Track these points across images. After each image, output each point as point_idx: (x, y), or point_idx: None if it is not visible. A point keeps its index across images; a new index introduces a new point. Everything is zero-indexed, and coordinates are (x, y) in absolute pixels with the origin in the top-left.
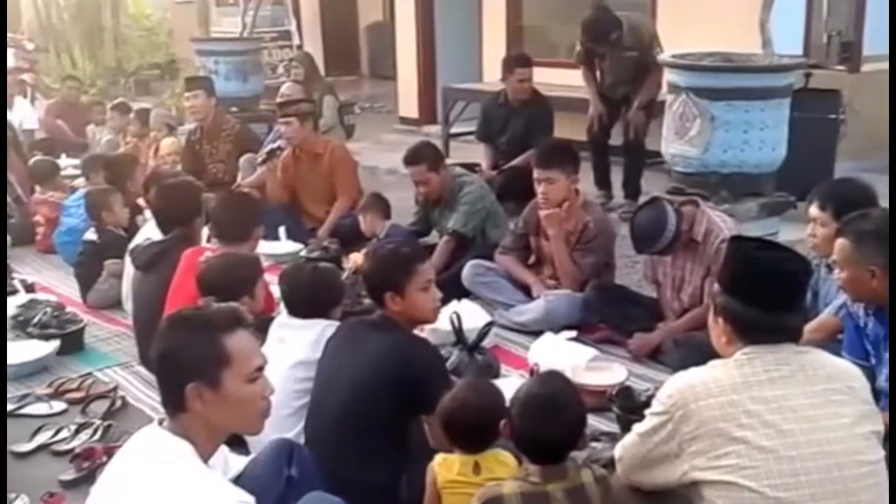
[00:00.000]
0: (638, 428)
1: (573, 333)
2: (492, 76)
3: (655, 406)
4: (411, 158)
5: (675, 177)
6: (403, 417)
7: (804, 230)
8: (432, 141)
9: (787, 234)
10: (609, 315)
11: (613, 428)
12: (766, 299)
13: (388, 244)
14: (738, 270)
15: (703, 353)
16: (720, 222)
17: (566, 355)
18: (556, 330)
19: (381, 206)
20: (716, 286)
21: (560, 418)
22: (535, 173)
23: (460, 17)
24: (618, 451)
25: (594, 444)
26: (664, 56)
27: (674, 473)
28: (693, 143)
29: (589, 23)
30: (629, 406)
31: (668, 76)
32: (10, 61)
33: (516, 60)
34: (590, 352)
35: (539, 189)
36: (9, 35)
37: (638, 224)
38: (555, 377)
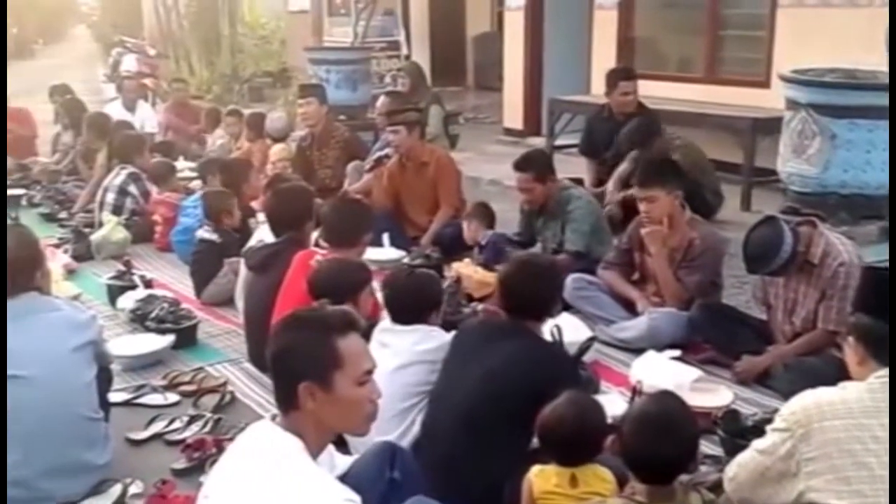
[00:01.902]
0: (757, 444)
1: (677, 353)
2: (600, 88)
3: (777, 422)
4: (521, 164)
5: (790, 196)
6: (526, 419)
7: None
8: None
9: None
10: (715, 336)
11: (718, 451)
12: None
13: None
14: (866, 286)
15: (814, 379)
16: (839, 244)
17: (670, 374)
18: (659, 348)
19: (487, 214)
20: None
21: (674, 438)
22: (636, 192)
23: (570, 28)
24: (732, 468)
25: (699, 468)
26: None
27: (789, 494)
28: (811, 162)
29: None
30: (735, 430)
31: (787, 92)
32: (133, 65)
33: (619, 74)
34: (694, 372)
35: (641, 207)
36: (132, 40)
37: (752, 243)
38: (669, 396)
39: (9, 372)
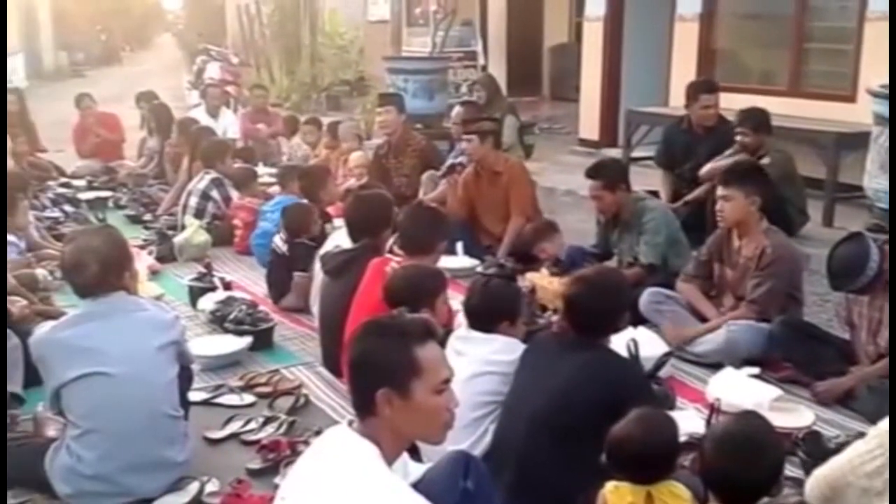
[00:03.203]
0: (841, 456)
1: (756, 370)
2: (678, 100)
3: (871, 435)
4: (592, 172)
5: (876, 213)
6: (599, 434)
7: None
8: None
9: None
10: (796, 354)
11: (798, 473)
12: None
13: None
14: None
15: None
16: None
17: (748, 392)
18: (737, 361)
19: (553, 227)
20: None
21: (758, 460)
22: (718, 189)
23: (649, 39)
24: (811, 480)
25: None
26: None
27: None
28: None
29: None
30: (817, 452)
31: (874, 107)
32: (217, 73)
33: (701, 86)
34: (774, 391)
35: (717, 206)
36: (216, 49)
37: (837, 258)
38: (753, 416)
39: (95, 369)
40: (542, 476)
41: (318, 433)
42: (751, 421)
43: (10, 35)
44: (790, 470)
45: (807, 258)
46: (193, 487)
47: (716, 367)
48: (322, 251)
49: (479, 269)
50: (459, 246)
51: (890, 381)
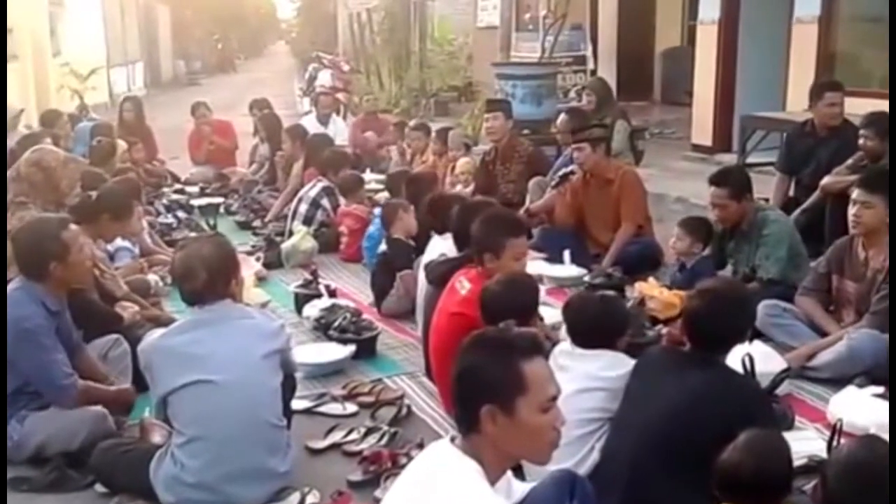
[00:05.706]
0: None
1: (880, 389)
2: (796, 105)
3: None
4: (717, 179)
5: None
6: (714, 455)
7: None
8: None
9: None
10: None
11: None
12: None
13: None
14: None
15: None
16: None
17: (871, 412)
18: (861, 376)
19: (708, 228)
20: None
21: (884, 489)
22: (855, 193)
23: (765, 43)
24: None
25: None
26: None
27: None
28: None
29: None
30: None
31: None
32: (328, 81)
33: (827, 85)
34: None
35: (852, 210)
36: (328, 56)
37: None
38: (879, 441)
39: (201, 377)
40: (651, 497)
41: (420, 445)
42: (875, 447)
43: (132, 45)
44: None
45: None
46: (294, 498)
47: (837, 384)
48: (426, 258)
49: (587, 278)
50: (567, 254)
51: (890, 381)
